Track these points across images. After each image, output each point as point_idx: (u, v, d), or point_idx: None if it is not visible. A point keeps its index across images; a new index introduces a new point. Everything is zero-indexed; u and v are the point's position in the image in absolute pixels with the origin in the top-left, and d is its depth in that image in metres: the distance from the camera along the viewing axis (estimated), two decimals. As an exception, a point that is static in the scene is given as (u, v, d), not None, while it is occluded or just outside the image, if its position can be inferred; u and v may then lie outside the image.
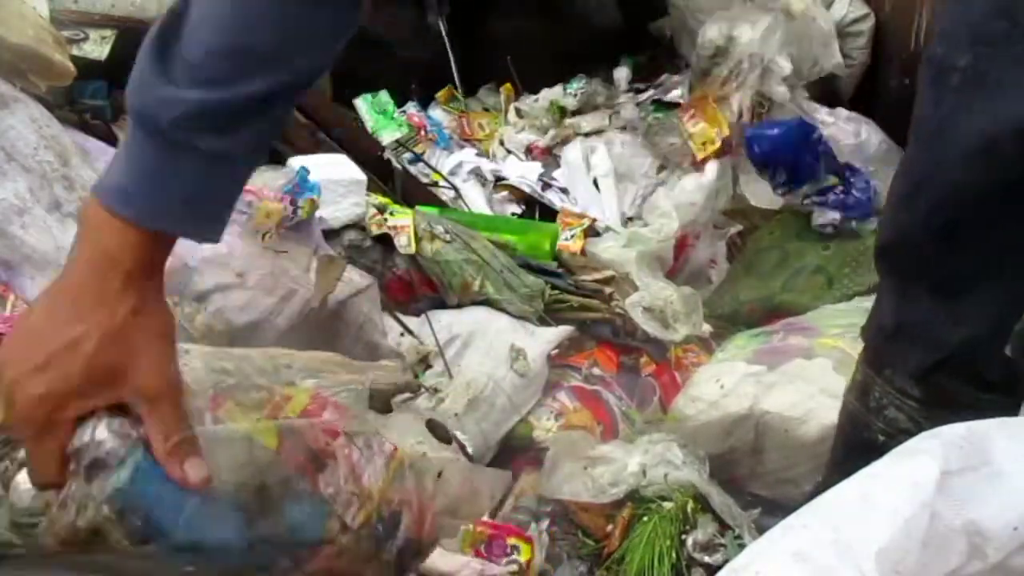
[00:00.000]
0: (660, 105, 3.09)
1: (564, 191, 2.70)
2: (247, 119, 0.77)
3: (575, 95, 3.05)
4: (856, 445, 1.42)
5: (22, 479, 0.78)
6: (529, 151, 2.88)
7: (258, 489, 0.87)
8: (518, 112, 3.04)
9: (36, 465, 0.76)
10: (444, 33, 2.96)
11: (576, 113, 3.00)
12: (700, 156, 2.56)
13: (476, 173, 2.68)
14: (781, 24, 2.59)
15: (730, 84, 2.58)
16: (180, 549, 0.81)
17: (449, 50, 2.98)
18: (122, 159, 0.78)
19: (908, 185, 1.29)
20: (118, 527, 0.76)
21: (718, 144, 2.54)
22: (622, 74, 3.20)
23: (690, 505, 1.57)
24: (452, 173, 2.70)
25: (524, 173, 2.72)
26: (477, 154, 2.85)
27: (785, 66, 2.58)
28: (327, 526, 0.92)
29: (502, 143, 2.94)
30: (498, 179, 2.70)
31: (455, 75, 3.03)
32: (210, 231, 0.80)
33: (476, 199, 2.61)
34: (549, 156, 2.87)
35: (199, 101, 0.75)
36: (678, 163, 2.62)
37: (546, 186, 2.69)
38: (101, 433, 0.75)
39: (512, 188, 2.68)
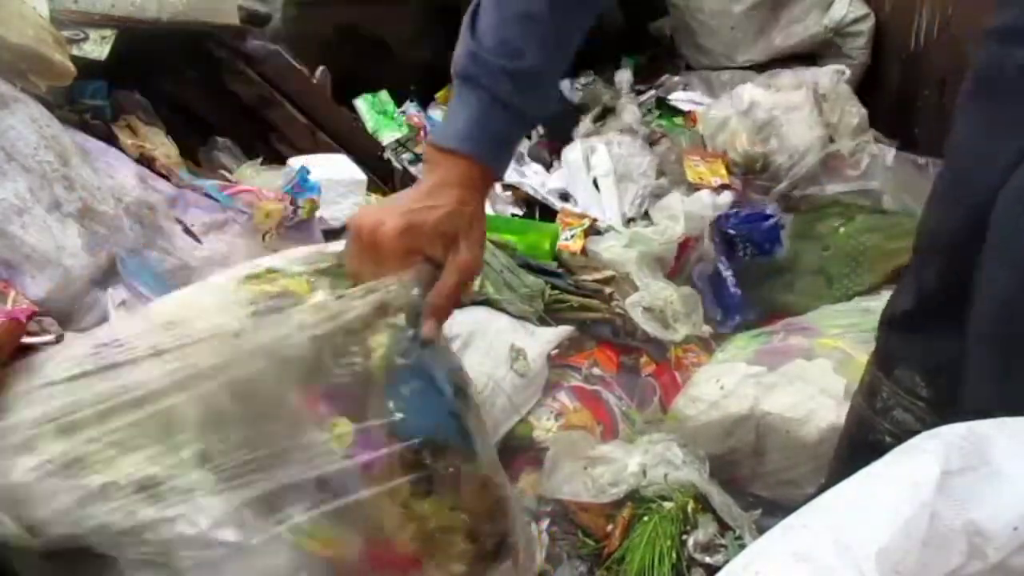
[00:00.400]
0: (661, 103, 3.10)
1: (564, 197, 2.70)
2: (538, 84, 1.06)
3: (580, 89, 3.06)
4: (862, 447, 1.41)
5: None
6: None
7: (463, 386, 1.09)
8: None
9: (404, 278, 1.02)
10: None
11: (580, 110, 3.02)
12: (693, 182, 2.57)
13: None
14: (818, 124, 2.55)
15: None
16: (411, 377, 1.01)
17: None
18: (453, 113, 1.06)
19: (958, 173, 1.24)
20: (396, 328, 1.00)
21: (712, 184, 2.54)
22: (624, 76, 3.20)
23: (690, 505, 1.57)
24: None
25: (537, 181, 2.72)
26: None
27: (826, 182, 2.58)
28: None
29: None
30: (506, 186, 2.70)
31: None
32: (504, 168, 1.10)
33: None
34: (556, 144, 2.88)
35: (502, 67, 1.03)
36: (677, 180, 2.62)
37: (565, 197, 2.69)
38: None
39: (514, 189, 2.69)
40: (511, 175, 2.74)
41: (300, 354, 0.98)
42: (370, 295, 0.99)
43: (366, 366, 0.98)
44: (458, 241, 1.04)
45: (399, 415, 0.99)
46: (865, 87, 3.02)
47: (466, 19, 1.06)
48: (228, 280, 1.05)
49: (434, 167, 1.05)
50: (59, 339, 1.19)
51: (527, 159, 2.88)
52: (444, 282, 1.03)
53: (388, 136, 2.73)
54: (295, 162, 1.89)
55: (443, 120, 1.07)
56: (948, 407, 1.29)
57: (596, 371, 2.02)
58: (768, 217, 2.43)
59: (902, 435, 1.33)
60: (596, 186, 2.67)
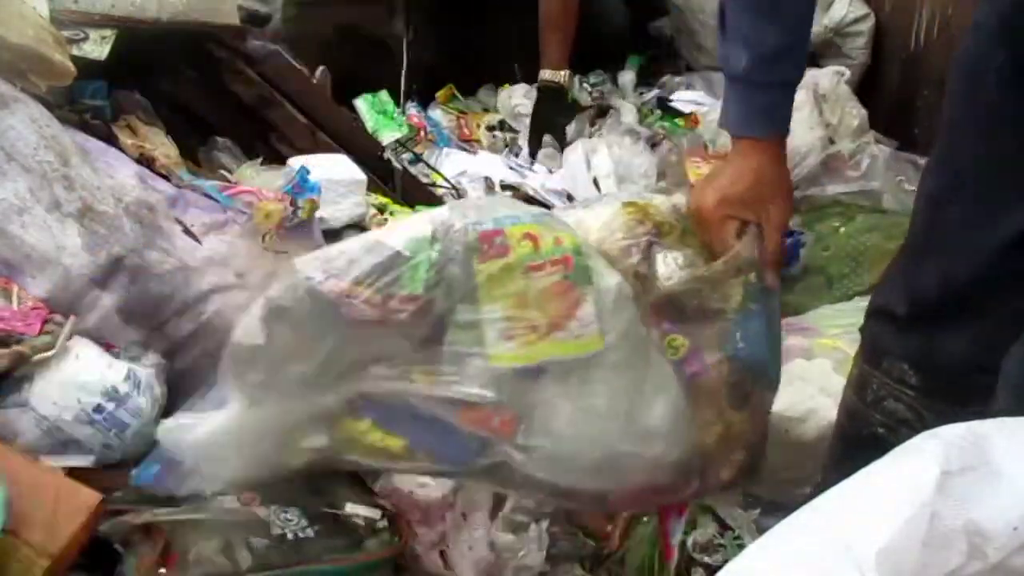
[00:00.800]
0: (661, 103, 3.10)
1: (570, 198, 2.70)
2: (786, 57, 1.25)
3: (590, 91, 3.06)
4: (855, 441, 1.42)
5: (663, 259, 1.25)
6: None
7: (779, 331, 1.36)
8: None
9: (714, 245, 1.27)
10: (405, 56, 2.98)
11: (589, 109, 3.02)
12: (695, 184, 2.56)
13: (487, 182, 2.67)
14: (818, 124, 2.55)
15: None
16: (756, 318, 1.26)
17: (404, 66, 3.00)
18: (729, 104, 1.29)
19: (944, 181, 1.29)
20: (749, 282, 1.26)
21: None
22: (627, 77, 3.20)
23: (691, 503, 1.57)
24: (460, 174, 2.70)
25: (538, 182, 2.72)
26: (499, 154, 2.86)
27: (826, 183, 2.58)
28: None
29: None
30: (505, 186, 2.71)
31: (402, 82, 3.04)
32: (784, 126, 1.31)
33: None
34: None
35: (750, 57, 1.23)
36: (677, 182, 2.62)
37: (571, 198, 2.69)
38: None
39: (514, 189, 2.69)
40: (511, 176, 2.74)
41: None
42: (727, 263, 1.25)
43: (722, 307, 1.25)
44: (767, 204, 1.26)
45: (742, 345, 1.25)
46: (865, 87, 3.02)
47: (718, 24, 1.28)
48: (615, 205, 1.28)
49: (734, 147, 1.30)
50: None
51: (528, 159, 2.88)
52: (769, 240, 1.26)
53: (388, 136, 2.73)
54: (295, 162, 1.89)
55: (724, 109, 1.31)
56: (937, 393, 1.30)
57: (596, 371, 2.02)
58: (792, 233, 2.43)
59: (895, 425, 1.35)
60: (597, 186, 2.68)
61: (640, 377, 1.21)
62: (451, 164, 2.74)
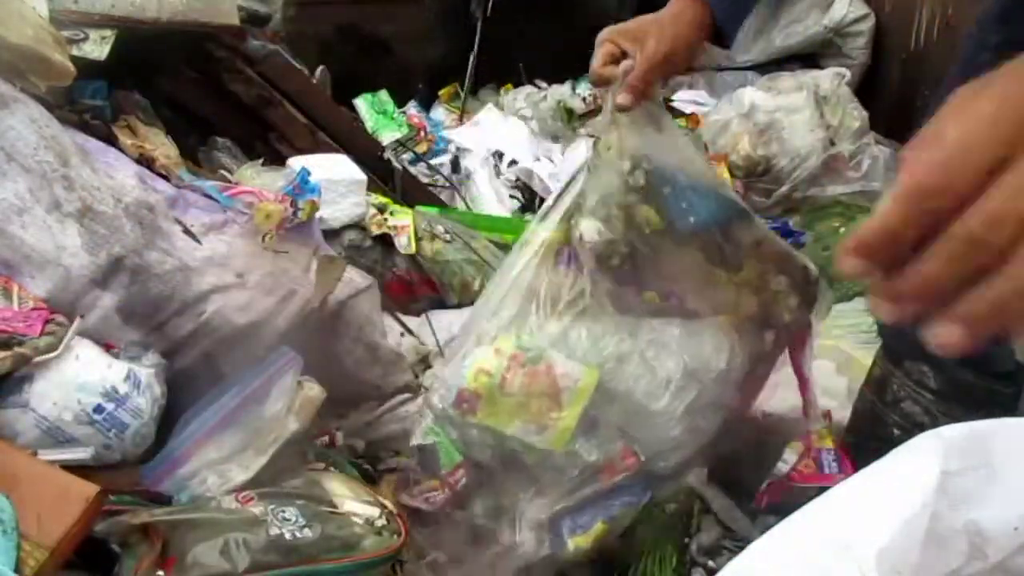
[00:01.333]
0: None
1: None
2: None
3: (584, 98, 3.06)
4: (869, 441, 1.43)
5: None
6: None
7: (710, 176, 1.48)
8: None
9: (595, 62, 1.40)
10: (479, 28, 2.98)
11: (585, 116, 3.02)
12: None
13: (494, 166, 2.67)
14: (819, 124, 2.54)
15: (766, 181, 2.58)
16: (677, 195, 1.31)
17: (476, 45, 3.00)
18: None
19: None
20: (640, 172, 1.32)
21: None
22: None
23: (696, 506, 1.57)
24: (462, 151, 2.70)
25: (546, 172, 2.73)
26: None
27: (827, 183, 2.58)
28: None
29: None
30: (512, 162, 2.70)
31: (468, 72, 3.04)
32: (732, 30, 1.46)
33: (482, 185, 2.61)
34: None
35: None
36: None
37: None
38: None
39: (520, 181, 2.69)
40: (526, 157, 2.74)
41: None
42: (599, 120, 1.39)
43: (651, 227, 1.32)
44: (646, 38, 1.37)
45: (692, 219, 1.32)
46: (865, 87, 3.02)
47: None
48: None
49: (671, 5, 1.40)
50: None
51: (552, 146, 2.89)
52: (636, 67, 1.35)
53: (388, 136, 2.73)
54: (295, 162, 1.89)
55: None
56: (955, 398, 1.31)
57: (596, 371, 2.02)
58: (792, 234, 2.43)
59: (910, 428, 1.36)
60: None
61: (641, 354, 1.35)
62: (486, 122, 2.74)
